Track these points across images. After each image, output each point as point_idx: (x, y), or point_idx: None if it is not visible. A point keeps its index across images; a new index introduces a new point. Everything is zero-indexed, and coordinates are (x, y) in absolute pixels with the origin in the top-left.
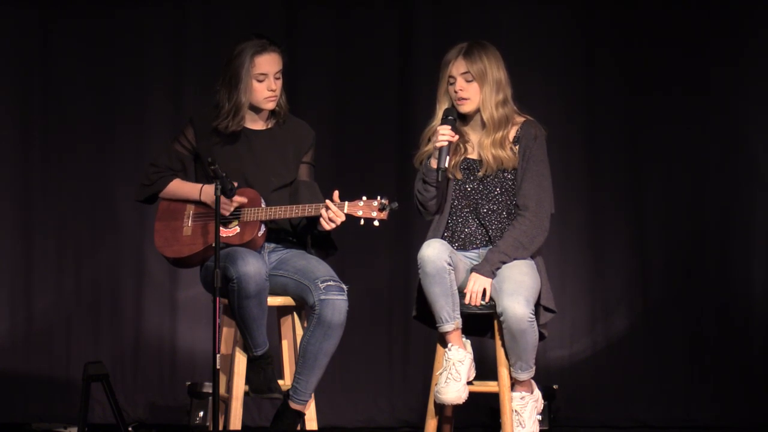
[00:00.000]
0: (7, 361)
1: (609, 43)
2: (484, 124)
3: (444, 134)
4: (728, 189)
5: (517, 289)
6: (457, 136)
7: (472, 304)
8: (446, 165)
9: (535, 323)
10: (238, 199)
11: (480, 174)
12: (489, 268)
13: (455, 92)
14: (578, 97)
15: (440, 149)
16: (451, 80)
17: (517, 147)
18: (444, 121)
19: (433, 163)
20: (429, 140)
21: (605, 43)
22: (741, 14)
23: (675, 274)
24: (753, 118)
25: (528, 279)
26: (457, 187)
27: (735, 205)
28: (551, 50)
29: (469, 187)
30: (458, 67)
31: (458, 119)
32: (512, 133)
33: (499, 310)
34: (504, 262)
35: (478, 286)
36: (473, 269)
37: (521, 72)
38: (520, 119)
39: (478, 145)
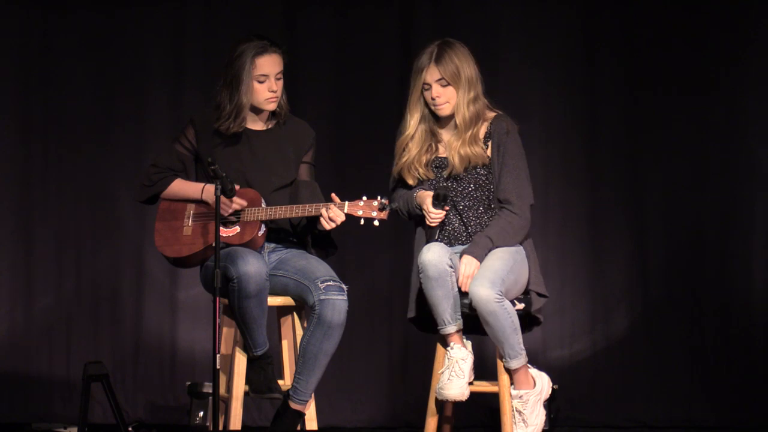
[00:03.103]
0: (7, 361)
1: (609, 43)
2: (456, 124)
3: (435, 218)
4: (728, 189)
5: (483, 273)
6: (443, 213)
7: (463, 290)
8: (437, 237)
9: (504, 304)
10: (238, 201)
11: (445, 174)
12: (479, 252)
13: (432, 99)
14: (578, 97)
15: (432, 228)
16: (426, 87)
17: (490, 143)
18: (436, 206)
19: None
20: (404, 150)
21: (605, 43)
22: (741, 13)
23: (675, 274)
24: (753, 117)
25: (498, 262)
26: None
27: (735, 205)
28: (551, 50)
29: (443, 185)
30: (432, 74)
31: (433, 119)
32: (483, 130)
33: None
34: (489, 248)
35: (470, 269)
36: (465, 252)
37: (521, 72)
38: (490, 114)
39: (447, 144)
